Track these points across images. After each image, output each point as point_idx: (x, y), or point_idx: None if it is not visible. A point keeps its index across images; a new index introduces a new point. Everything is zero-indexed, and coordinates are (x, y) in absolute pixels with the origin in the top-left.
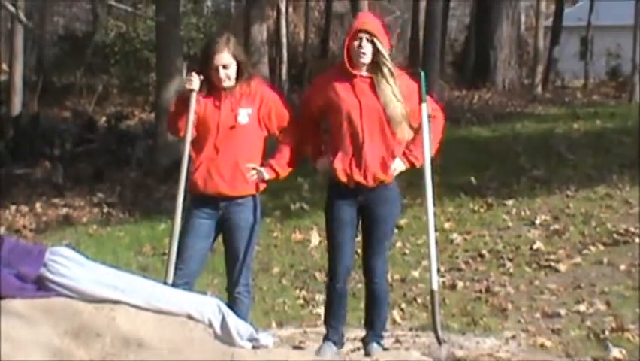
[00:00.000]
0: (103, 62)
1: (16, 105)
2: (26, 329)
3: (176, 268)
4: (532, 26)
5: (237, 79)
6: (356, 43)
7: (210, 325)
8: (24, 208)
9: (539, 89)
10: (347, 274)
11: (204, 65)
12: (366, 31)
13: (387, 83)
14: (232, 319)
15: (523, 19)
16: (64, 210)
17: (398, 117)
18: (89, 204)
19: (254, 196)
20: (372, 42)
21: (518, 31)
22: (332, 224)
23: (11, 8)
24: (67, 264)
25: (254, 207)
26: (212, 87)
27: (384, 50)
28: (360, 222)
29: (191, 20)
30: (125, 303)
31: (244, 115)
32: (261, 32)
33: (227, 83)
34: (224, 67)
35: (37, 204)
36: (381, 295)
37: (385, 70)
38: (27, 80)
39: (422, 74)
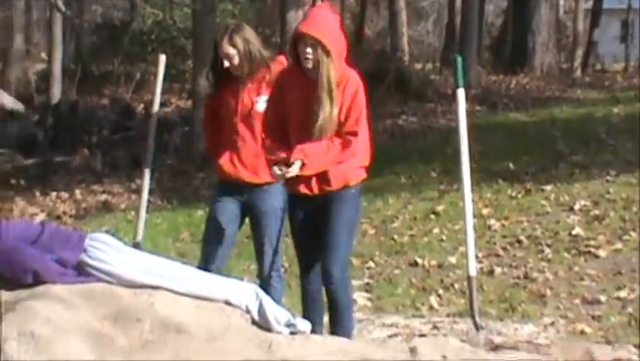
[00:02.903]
0: (140, 49)
1: (56, 93)
2: (67, 314)
3: (204, 252)
4: (572, 9)
5: (250, 67)
6: (300, 47)
7: (248, 311)
8: (64, 195)
9: (578, 72)
10: (312, 274)
11: (215, 55)
12: (311, 37)
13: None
14: (269, 304)
15: (562, 2)
16: (103, 197)
17: (317, 128)
18: (127, 190)
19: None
20: (316, 48)
21: (557, 14)
22: (290, 225)
23: None
24: (106, 250)
25: (279, 192)
26: (232, 76)
27: (328, 59)
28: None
29: (227, 7)
30: (164, 289)
31: (262, 102)
32: (296, 19)
33: (236, 72)
34: (227, 57)
35: (77, 191)
36: (339, 305)
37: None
38: (66, 68)
39: (459, 59)
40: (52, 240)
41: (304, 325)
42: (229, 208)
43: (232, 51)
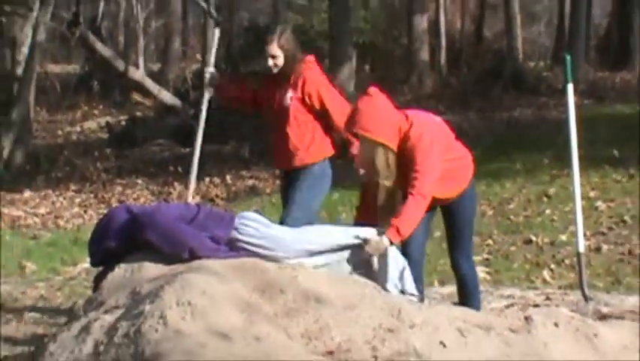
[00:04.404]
0: None
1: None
2: (221, 286)
3: None
4: None
5: (289, 66)
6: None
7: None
8: (216, 180)
9: None
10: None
11: (262, 53)
12: (358, 134)
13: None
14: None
15: None
16: (251, 182)
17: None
18: (272, 176)
19: (316, 163)
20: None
21: None
22: None
23: (204, 5)
24: (255, 226)
25: (318, 171)
26: (273, 74)
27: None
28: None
29: (360, 12)
30: (308, 252)
31: (288, 98)
32: (421, 22)
33: (275, 70)
34: (272, 57)
35: (228, 176)
36: (468, 287)
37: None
38: (218, 67)
39: (568, 57)
40: (207, 220)
41: (412, 288)
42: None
43: (278, 52)
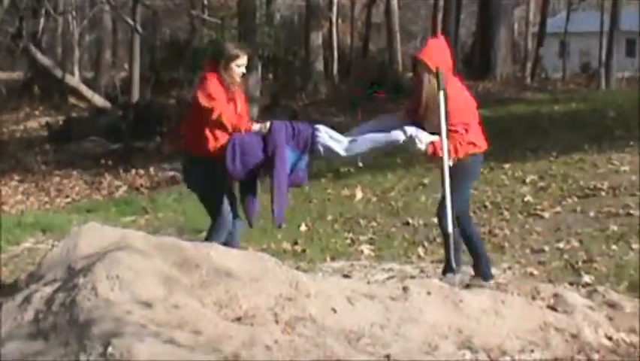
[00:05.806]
0: (199, 61)
1: (135, 95)
2: (144, 261)
3: None
4: (523, 32)
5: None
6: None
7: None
8: (141, 171)
9: (528, 80)
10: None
11: (229, 61)
12: (420, 60)
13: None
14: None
15: (516, 27)
16: (171, 173)
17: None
18: None
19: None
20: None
21: (512, 36)
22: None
23: (131, 22)
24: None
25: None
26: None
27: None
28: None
29: (265, 29)
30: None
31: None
32: (317, 38)
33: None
34: (243, 66)
35: (151, 168)
36: (464, 239)
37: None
38: (143, 75)
39: (441, 69)
40: (297, 135)
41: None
42: None
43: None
